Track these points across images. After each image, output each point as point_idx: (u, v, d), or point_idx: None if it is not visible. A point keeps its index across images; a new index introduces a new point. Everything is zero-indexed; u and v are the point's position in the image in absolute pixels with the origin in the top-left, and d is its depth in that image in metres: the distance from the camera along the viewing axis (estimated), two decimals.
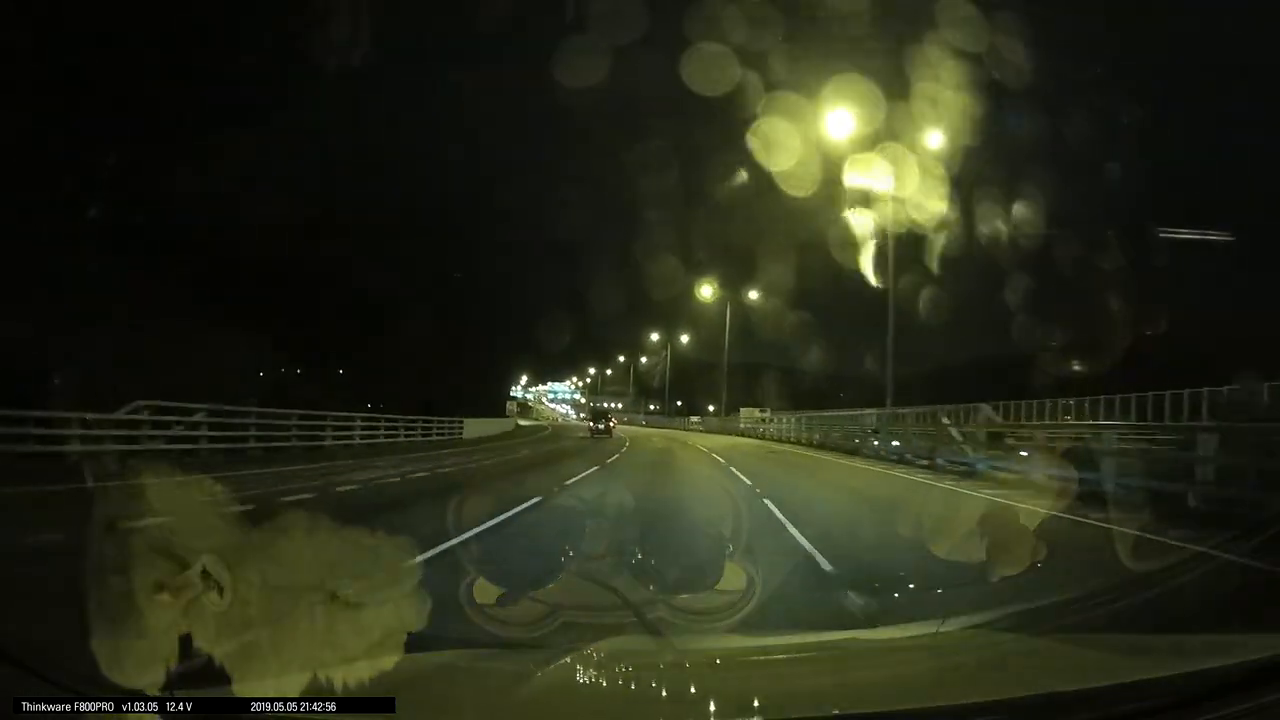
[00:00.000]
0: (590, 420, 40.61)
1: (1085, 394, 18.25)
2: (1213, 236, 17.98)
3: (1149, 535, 6.55)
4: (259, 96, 23.16)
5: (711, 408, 61.63)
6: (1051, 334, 25.52)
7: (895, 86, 18.20)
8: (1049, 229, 21.75)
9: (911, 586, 4.63)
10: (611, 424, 41.88)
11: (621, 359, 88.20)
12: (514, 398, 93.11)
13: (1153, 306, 21.74)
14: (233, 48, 21.00)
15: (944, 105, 17.39)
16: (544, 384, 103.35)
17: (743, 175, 27.33)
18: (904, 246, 21.06)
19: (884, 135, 18.78)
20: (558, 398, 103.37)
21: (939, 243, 20.70)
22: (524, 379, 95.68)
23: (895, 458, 19.06)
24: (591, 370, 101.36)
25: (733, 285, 48.23)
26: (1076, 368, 22.09)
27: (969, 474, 14.28)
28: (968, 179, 20.07)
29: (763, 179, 23.50)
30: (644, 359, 78.85)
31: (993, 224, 21.64)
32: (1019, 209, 21.59)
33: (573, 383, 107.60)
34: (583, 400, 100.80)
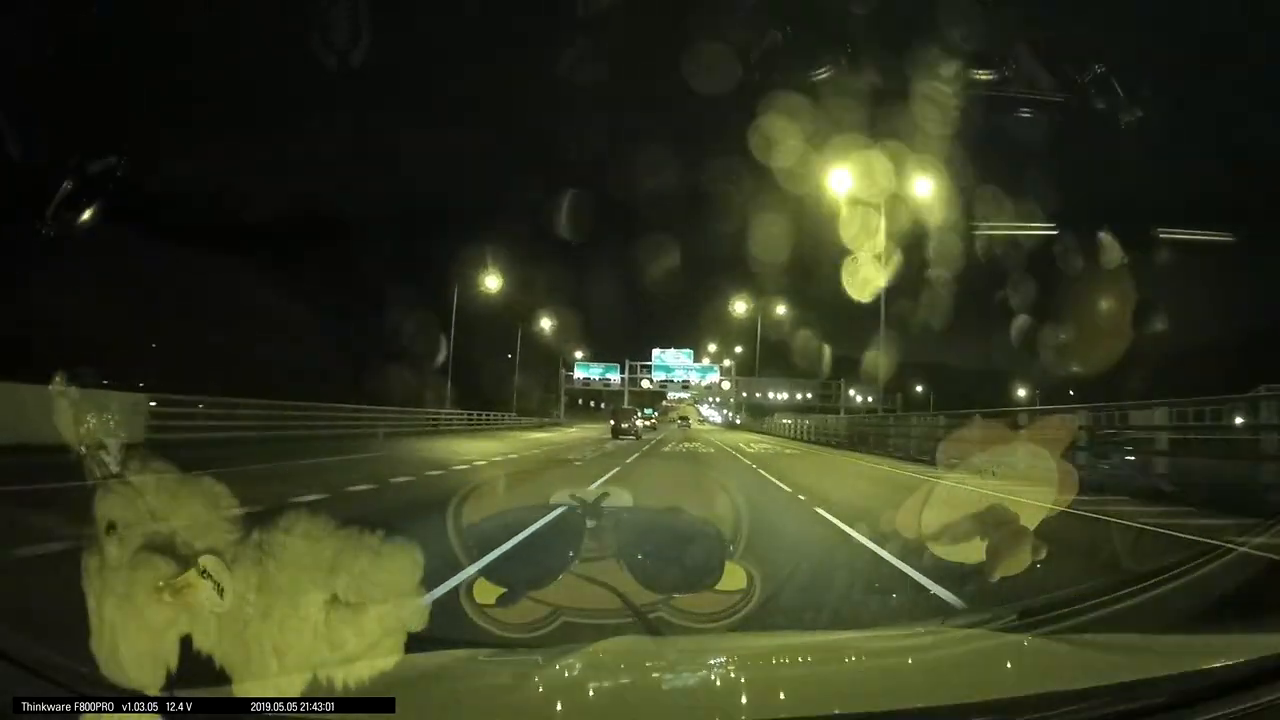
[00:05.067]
0: (611, 421, 35.77)
1: None
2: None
3: None
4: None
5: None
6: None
7: None
8: None
9: None
10: (639, 424, 36.53)
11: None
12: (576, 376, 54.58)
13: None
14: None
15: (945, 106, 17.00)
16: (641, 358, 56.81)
17: None
18: None
19: None
20: (673, 380, 58.34)
21: None
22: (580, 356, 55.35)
23: None
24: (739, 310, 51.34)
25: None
26: None
27: None
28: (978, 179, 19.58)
29: None
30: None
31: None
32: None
33: (710, 358, 58.83)
34: (726, 386, 58.96)
